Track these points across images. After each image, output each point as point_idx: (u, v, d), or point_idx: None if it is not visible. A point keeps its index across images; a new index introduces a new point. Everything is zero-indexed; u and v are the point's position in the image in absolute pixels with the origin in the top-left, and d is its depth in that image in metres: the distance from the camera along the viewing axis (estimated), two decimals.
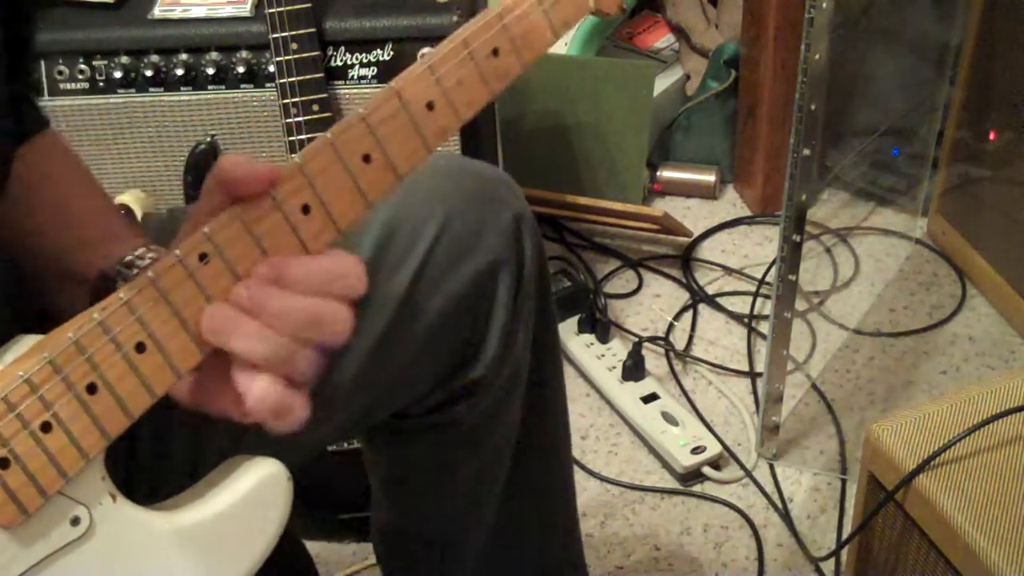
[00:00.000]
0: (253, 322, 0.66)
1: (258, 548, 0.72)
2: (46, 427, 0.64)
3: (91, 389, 0.65)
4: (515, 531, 1.11)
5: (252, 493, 0.72)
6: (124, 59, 1.39)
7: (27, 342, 0.67)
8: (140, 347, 0.66)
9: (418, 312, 0.92)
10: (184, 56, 1.39)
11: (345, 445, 1.45)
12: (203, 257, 0.66)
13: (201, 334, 0.66)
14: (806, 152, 1.40)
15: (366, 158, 0.69)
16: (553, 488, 1.15)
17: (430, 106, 0.70)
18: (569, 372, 1.81)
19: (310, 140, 1.11)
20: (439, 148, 0.73)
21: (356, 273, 0.68)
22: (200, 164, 1.40)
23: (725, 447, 1.67)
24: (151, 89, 1.40)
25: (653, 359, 1.82)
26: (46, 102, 1.39)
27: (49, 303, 0.80)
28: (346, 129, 0.68)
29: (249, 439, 0.84)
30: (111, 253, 0.78)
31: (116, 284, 0.75)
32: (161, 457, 0.86)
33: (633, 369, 1.75)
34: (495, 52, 0.72)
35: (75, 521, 0.67)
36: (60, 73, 1.39)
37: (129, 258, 0.77)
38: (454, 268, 0.92)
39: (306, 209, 0.68)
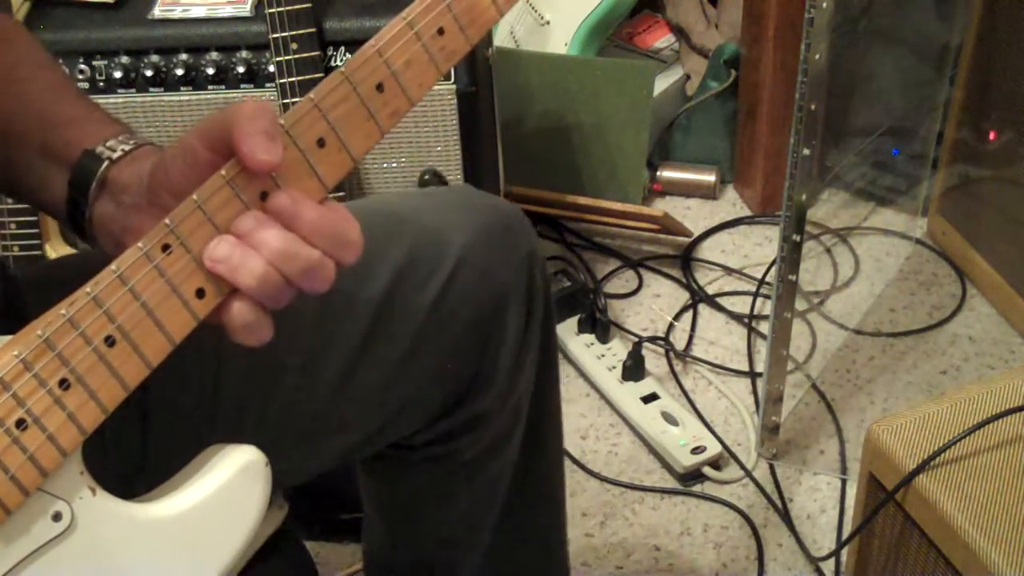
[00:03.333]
0: (261, 262, 0.67)
1: (240, 536, 0.73)
2: (21, 424, 0.65)
3: (63, 385, 0.65)
4: (506, 566, 1.11)
5: (231, 481, 0.72)
6: (124, 59, 1.39)
7: None
8: (109, 340, 0.66)
9: (432, 341, 0.92)
10: (184, 56, 1.39)
11: None
12: (166, 248, 0.67)
13: (203, 262, 0.67)
14: (806, 152, 1.40)
15: (320, 143, 0.70)
16: (545, 527, 1.15)
17: (380, 88, 0.71)
18: (569, 372, 1.81)
19: None
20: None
21: (356, 245, 0.70)
22: None
23: (725, 447, 1.67)
24: (151, 89, 1.40)
25: (653, 359, 1.82)
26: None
27: (30, 187, 0.80)
28: (299, 116, 0.69)
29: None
30: (92, 134, 0.77)
31: (100, 164, 0.75)
32: (173, 462, 0.86)
33: (633, 369, 1.75)
34: (440, 31, 0.73)
35: (56, 517, 0.67)
36: None
37: (112, 142, 0.76)
38: (469, 300, 0.93)
39: (264, 196, 0.69)
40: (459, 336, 0.93)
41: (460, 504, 1.05)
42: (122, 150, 0.76)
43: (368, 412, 0.94)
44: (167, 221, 0.67)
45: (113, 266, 0.66)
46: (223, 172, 0.68)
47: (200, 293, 0.68)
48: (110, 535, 0.69)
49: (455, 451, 1.00)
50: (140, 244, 0.66)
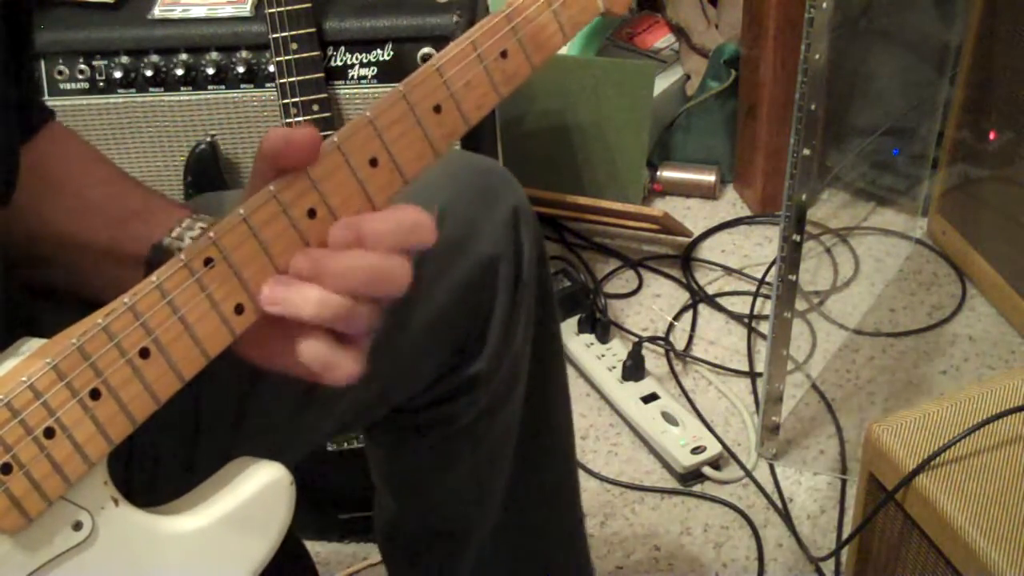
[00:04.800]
0: (315, 289, 0.66)
1: (260, 553, 0.72)
2: (49, 433, 0.64)
3: (95, 395, 0.64)
4: (519, 528, 1.11)
5: (255, 497, 0.71)
6: (124, 59, 1.39)
7: (31, 345, 0.66)
8: (144, 353, 0.65)
9: (418, 305, 0.91)
10: (184, 56, 1.39)
11: (345, 445, 1.45)
12: (208, 262, 0.66)
13: (259, 302, 0.66)
14: (806, 152, 1.40)
15: (373, 162, 0.69)
16: (557, 485, 1.15)
17: (437, 109, 0.70)
18: (569, 372, 1.80)
19: None
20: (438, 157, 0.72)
21: (427, 223, 0.69)
22: (200, 164, 1.40)
23: (725, 447, 1.67)
24: (151, 89, 1.40)
25: (653, 359, 1.82)
26: (45, 102, 1.39)
27: (99, 288, 0.79)
28: (353, 132, 0.68)
29: (246, 437, 0.83)
30: (159, 225, 0.78)
31: (172, 257, 0.75)
32: (158, 456, 0.86)
33: (633, 369, 1.75)
34: (504, 54, 0.71)
35: (77, 526, 0.67)
36: (60, 73, 1.39)
37: (177, 230, 0.77)
38: (452, 261, 0.92)
39: (312, 213, 0.68)
40: (445, 300, 0.93)
41: (465, 469, 1.05)
42: (189, 237, 0.76)
43: (356, 385, 0.93)
44: (211, 233, 0.65)
45: (153, 277, 0.65)
46: (271, 187, 0.66)
47: (239, 309, 0.67)
48: (130, 546, 0.69)
49: (453, 415, 0.99)
50: (183, 256, 0.65)
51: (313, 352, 0.67)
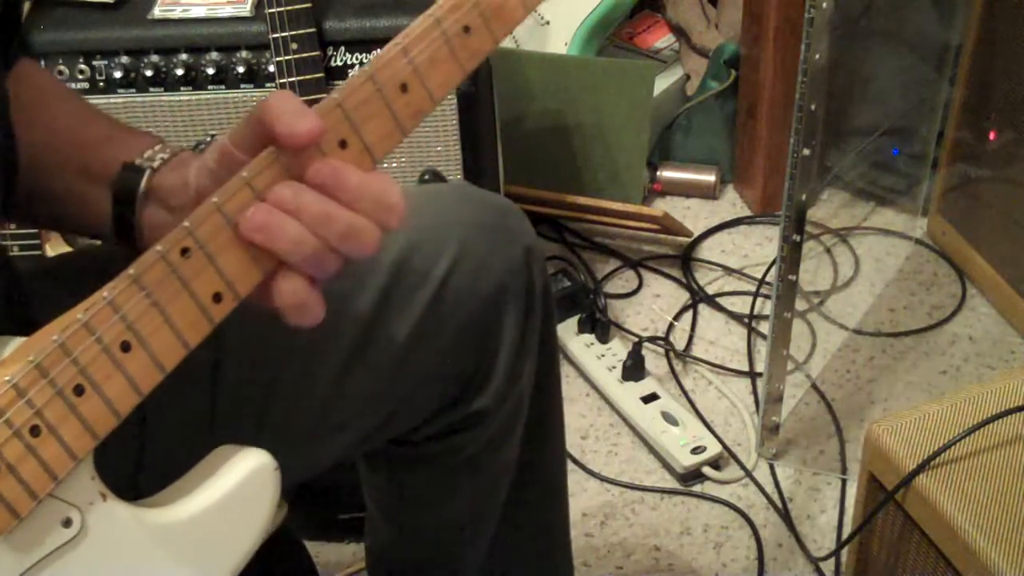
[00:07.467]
0: (297, 225, 0.67)
1: (249, 539, 0.72)
2: (35, 431, 0.64)
3: (78, 391, 0.65)
4: (509, 560, 1.11)
5: (241, 485, 0.72)
6: (124, 59, 1.39)
7: (11, 345, 0.66)
8: (125, 346, 0.65)
9: (429, 338, 0.92)
10: (184, 56, 1.39)
11: None
12: (185, 251, 0.66)
13: (241, 233, 0.66)
14: (806, 152, 1.40)
15: (342, 144, 0.69)
16: (549, 521, 1.15)
17: (404, 88, 0.70)
18: (569, 372, 1.81)
19: None
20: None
21: (398, 208, 0.69)
22: None
23: (725, 447, 1.67)
24: (151, 89, 1.40)
25: (653, 359, 1.82)
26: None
27: (62, 210, 0.80)
28: (322, 116, 0.68)
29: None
30: (129, 149, 0.78)
31: (142, 174, 0.76)
32: (172, 458, 0.86)
33: (633, 369, 1.75)
34: (466, 29, 0.72)
35: (67, 523, 0.67)
36: (60, 73, 1.39)
37: (149, 152, 0.77)
38: (467, 297, 0.93)
39: None
40: (457, 334, 0.93)
41: (463, 499, 1.05)
42: (161, 158, 0.76)
43: (366, 411, 0.94)
44: (186, 223, 0.66)
45: (131, 270, 0.65)
46: (244, 173, 0.67)
47: (217, 297, 0.67)
48: (120, 540, 0.69)
49: (456, 447, 1.00)
50: (159, 247, 0.65)
51: (293, 291, 0.68)
